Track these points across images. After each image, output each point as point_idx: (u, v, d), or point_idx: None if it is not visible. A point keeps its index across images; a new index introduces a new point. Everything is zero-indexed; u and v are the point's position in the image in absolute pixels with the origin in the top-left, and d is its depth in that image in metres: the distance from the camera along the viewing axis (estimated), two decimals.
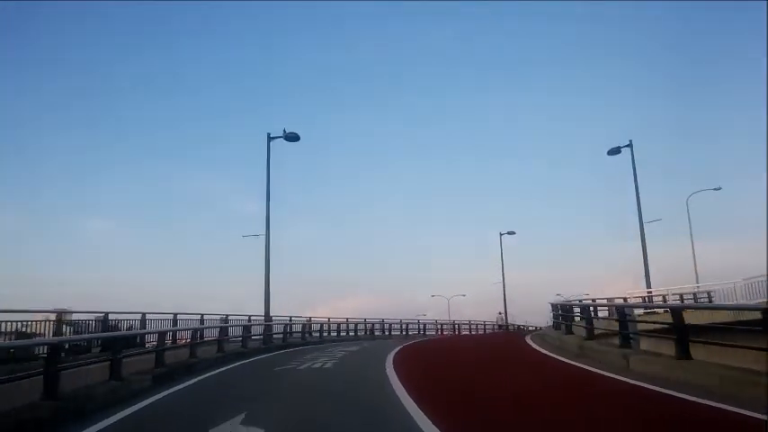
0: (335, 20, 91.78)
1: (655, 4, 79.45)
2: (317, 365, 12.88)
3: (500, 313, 46.01)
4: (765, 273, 22.12)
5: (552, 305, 20.47)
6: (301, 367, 12.60)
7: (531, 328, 50.08)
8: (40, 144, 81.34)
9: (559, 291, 70.98)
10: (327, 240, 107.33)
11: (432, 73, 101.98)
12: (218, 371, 12.56)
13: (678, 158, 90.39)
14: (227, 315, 23.86)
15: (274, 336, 24.33)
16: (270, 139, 23.62)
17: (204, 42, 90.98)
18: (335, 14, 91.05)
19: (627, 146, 29.92)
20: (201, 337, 22.17)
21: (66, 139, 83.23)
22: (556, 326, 18.58)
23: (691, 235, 37.34)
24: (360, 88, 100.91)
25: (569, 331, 15.89)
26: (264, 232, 23.14)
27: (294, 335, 25.31)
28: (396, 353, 16.14)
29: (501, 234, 47.19)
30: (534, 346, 16.18)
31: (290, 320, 27.49)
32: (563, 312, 16.88)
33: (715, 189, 38.60)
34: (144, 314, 17.60)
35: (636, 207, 27.70)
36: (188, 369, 12.11)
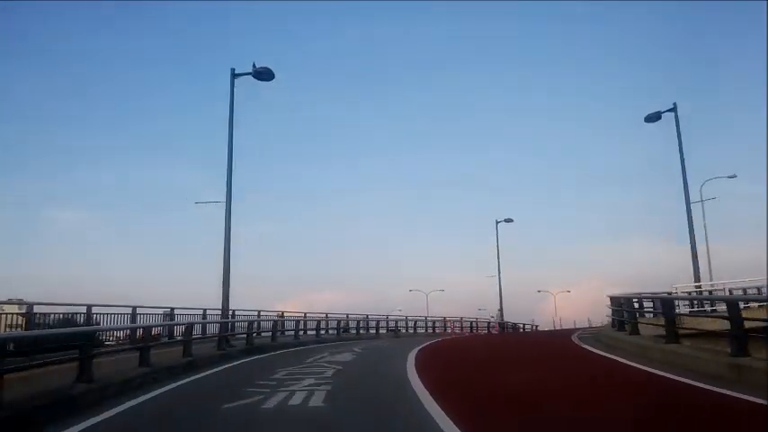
0: (333, 17, 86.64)
1: (655, 4, 76.13)
2: (296, 399, 7.28)
3: (499, 310, 41.20)
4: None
5: (613, 298, 15.28)
6: (269, 404, 7.00)
7: (527, 328, 45.76)
8: None
9: (540, 287, 68.34)
10: (300, 233, 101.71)
11: (428, 69, 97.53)
12: (114, 412, 6.82)
13: (677, 158, 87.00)
14: (173, 308, 18.17)
15: (237, 336, 18.72)
16: (234, 76, 17.88)
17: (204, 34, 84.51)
18: (334, 12, 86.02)
19: (670, 110, 25.01)
20: (138, 340, 16.49)
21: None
22: (630, 328, 13.32)
23: (705, 227, 33.10)
24: (354, 84, 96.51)
25: (673, 339, 10.64)
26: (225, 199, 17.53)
27: (263, 334, 19.64)
28: (420, 364, 10.66)
29: (497, 222, 43.92)
30: (626, 361, 10.83)
31: (259, 316, 21.96)
32: (663, 309, 11.54)
33: (730, 177, 36.14)
34: (31, 305, 11.68)
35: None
36: (67, 405, 6.43)
